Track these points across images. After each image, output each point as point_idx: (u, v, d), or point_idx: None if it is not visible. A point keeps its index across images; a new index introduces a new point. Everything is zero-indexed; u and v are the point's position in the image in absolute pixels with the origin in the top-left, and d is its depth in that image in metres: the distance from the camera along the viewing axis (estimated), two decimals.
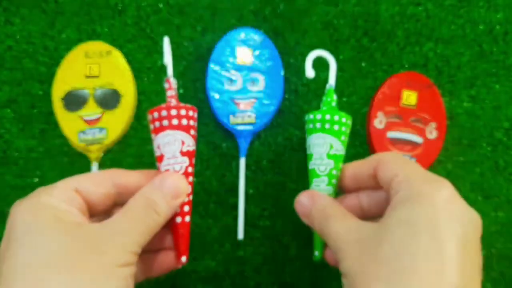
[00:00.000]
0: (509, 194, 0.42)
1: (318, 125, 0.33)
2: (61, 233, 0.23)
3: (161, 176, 0.29)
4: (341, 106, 0.41)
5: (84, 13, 0.42)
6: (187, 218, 0.32)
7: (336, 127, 0.33)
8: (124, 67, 0.41)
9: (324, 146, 0.33)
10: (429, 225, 0.22)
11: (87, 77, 0.40)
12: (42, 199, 0.24)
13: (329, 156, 0.33)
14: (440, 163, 0.42)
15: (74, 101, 0.40)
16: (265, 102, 0.41)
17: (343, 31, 0.43)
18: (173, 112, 0.32)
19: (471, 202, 0.42)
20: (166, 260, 0.31)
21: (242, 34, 0.41)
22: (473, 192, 0.42)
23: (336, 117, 0.33)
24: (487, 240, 0.41)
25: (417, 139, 0.41)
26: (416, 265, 0.21)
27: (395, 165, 0.27)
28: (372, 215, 0.30)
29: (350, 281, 0.24)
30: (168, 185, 0.28)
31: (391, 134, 0.41)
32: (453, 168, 0.42)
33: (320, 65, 0.42)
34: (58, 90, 0.40)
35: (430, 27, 0.43)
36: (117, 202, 0.29)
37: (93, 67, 0.40)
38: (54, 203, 0.24)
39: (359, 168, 0.31)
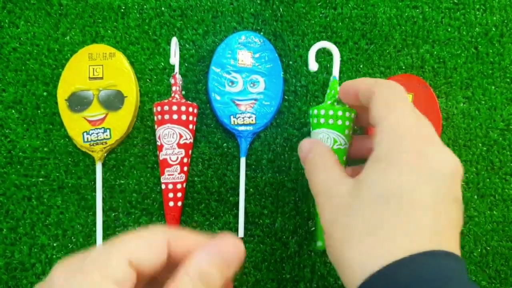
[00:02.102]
0: (504, 193, 0.42)
1: (322, 120, 0.33)
2: None
3: (218, 244, 0.23)
4: None
5: (88, 16, 0.42)
6: (179, 203, 0.36)
7: (339, 122, 0.33)
8: (127, 69, 0.41)
9: (328, 141, 0.33)
10: (396, 197, 0.23)
11: (91, 78, 0.41)
12: (95, 278, 0.19)
13: (333, 151, 0.33)
14: None
15: (78, 102, 0.40)
16: (265, 103, 0.41)
17: (341, 34, 0.43)
18: (174, 107, 0.35)
19: (467, 201, 0.43)
20: None
21: (242, 37, 0.41)
22: (468, 191, 0.42)
23: (339, 112, 0.33)
24: (482, 238, 0.42)
25: None
26: (388, 236, 0.22)
27: (382, 108, 0.26)
28: None
29: (327, 239, 0.25)
30: (226, 255, 0.23)
31: None
32: None
33: (318, 66, 0.43)
34: (63, 91, 0.40)
35: (426, 30, 0.43)
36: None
37: (97, 68, 0.41)
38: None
39: (357, 86, 0.30)
